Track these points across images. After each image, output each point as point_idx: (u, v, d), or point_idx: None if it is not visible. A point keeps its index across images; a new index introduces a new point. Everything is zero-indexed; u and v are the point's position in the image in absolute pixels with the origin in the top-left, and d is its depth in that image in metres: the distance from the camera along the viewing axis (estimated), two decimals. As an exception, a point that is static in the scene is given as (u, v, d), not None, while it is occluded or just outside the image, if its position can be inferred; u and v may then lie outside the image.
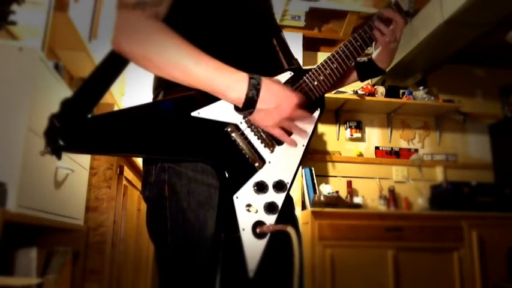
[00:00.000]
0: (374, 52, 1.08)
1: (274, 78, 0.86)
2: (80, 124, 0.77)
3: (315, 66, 0.93)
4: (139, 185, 2.28)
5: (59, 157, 0.76)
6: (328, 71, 0.92)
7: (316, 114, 0.91)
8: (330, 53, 0.95)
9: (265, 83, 0.80)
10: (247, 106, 0.79)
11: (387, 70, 1.11)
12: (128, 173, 2.00)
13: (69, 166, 1.41)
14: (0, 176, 1.06)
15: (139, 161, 2.14)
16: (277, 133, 0.84)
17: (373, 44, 1.03)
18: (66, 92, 1.33)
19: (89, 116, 0.80)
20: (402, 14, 1.01)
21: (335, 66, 0.93)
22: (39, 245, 1.27)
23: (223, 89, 0.79)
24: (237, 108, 0.82)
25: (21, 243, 1.25)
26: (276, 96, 0.80)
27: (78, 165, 1.52)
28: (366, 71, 1.11)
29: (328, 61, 0.93)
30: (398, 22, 1.00)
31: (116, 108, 2.21)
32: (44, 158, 1.22)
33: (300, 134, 0.87)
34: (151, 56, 0.78)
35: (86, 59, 2.01)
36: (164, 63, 0.78)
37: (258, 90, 0.79)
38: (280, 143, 0.86)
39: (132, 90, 2.89)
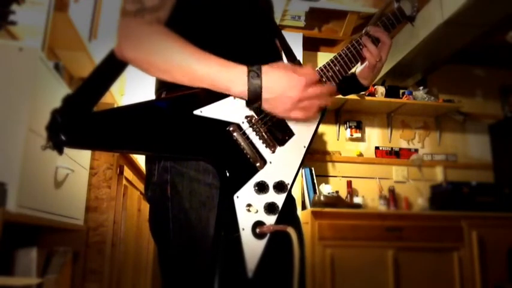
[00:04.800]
0: (358, 68, 1.05)
1: (275, 63, 0.82)
2: (82, 119, 0.77)
3: (317, 68, 0.92)
4: (139, 185, 2.28)
5: (60, 152, 0.76)
6: (330, 73, 0.92)
7: (318, 116, 0.91)
8: (330, 54, 0.95)
9: (266, 71, 0.79)
10: (253, 98, 0.79)
11: (387, 70, 1.10)
12: (128, 173, 1.99)
13: (69, 166, 1.41)
14: (0, 176, 1.06)
15: (139, 161, 2.14)
16: (295, 116, 0.81)
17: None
18: (66, 92, 1.33)
19: (91, 111, 0.80)
20: (389, 34, 0.99)
21: (337, 68, 0.93)
22: (39, 245, 1.27)
23: (226, 84, 0.79)
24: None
25: (21, 243, 1.25)
26: (280, 82, 0.79)
27: (78, 165, 1.52)
28: (348, 85, 1.07)
29: (331, 63, 0.93)
30: (386, 42, 0.98)
31: (116, 108, 2.20)
32: (44, 158, 1.23)
33: (320, 108, 0.84)
34: (154, 60, 0.78)
35: (86, 59, 2.01)
36: (167, 66, 0.78)
37: (259, 80, 0.78)
38: (281, 143, 0.86)
39: (132, 90, 2.88)
